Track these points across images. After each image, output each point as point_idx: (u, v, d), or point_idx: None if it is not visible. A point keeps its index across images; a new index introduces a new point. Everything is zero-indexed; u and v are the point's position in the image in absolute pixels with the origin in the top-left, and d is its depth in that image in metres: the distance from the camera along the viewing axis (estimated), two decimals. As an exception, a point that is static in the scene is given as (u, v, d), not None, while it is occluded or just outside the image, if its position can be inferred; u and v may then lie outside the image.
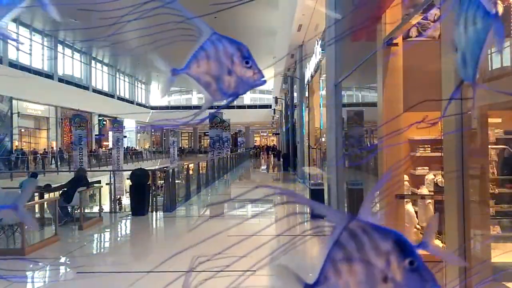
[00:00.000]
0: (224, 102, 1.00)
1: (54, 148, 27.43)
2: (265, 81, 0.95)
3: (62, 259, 6.36)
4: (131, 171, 10.46)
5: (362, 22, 5.42)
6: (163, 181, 11.51)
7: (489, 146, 4.12)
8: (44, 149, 26.81)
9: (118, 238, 8.47)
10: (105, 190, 10.59)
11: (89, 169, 20.03)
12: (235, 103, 48.17)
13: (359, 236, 0.74)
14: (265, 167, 33.10)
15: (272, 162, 37.86)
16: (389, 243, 0.72)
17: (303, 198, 0.90)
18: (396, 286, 0.72)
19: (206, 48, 0.92)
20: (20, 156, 22.89)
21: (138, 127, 46.99)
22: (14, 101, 23.64)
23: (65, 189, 8.95)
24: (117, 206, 11.84)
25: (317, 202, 0.82)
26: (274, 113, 39.88)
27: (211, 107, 1.01)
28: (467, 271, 2.84)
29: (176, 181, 11.59)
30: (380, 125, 5.38)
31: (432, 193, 5.26)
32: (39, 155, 25.13)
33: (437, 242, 5.22)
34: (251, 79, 0.93)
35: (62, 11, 0.92)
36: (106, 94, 37.93)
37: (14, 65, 24.34)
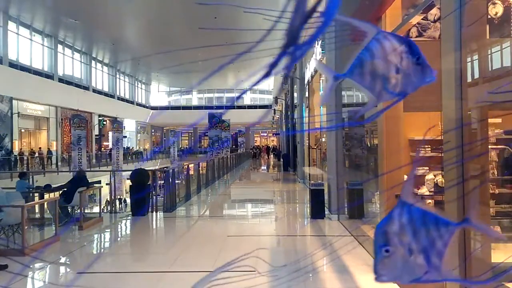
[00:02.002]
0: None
1: (50, 149, 27.34)
2: (435, 78, 0.90)
3: (62, 259, 6.36)
4: (131, 171, 10.45)
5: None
6: (163, 181, 11.50)
7: (489, 146, 4.12)
8: (42, 149, 26.75)
9: (118, 238, 8.47)
10: (105, 190, 10.57)
11: (88, 169, 20.06)
12: (235, 103, 48.17)
13: None
14: (265, 167, 33.11)
15: (272, 162, 37.82)
16: None
17: None
18: None
19: (371, 48, 0.88)
20: (16, 156, 22.89)
21: (138, 127, 46.92)
22: (14, 101, 23.64)
23: (65, 189, 8.95)
24: (120, 206, 11.85)
25: None
26: (274, 113, 39.83)
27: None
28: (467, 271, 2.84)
29: (176, 181, 11.59)
30: (381, 130, 5.39)
31: (432, 193, 5.26)
32: (36, 155, 25.12)
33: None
34: (421, 76, 0.89)
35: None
36: (106, 94, 37.92)
37: (14, 65, 24.34)
